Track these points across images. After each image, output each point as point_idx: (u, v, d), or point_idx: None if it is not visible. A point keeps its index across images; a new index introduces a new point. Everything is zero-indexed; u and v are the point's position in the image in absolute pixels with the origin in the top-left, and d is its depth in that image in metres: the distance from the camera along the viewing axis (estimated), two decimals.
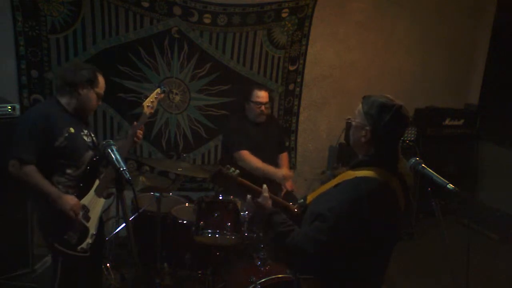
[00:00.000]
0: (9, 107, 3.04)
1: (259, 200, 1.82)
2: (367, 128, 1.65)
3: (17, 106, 3.11)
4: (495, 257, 3.91)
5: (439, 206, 1.58)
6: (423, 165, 1.65)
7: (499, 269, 3.71)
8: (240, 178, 1.86)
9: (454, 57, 4.71)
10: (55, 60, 3.47)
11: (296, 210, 1.94)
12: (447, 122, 4.54)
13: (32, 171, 2.27)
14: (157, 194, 2.93)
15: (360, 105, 1.71)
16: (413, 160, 1.69)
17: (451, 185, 1.57)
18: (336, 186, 1.71)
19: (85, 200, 2.40)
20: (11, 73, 3.39)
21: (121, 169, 1.61)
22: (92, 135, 2.58)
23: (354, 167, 1.72)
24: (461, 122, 4.60)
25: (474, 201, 4.73)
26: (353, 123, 1.73)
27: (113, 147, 1.69)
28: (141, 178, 3.21)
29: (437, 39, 4.57)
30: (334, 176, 1.82)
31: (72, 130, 2.37)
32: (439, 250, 1.79)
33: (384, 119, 1.61)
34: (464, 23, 4.68)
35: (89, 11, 3.45)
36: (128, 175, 1.60)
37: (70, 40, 3.47)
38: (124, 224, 3.30)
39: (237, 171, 1.87)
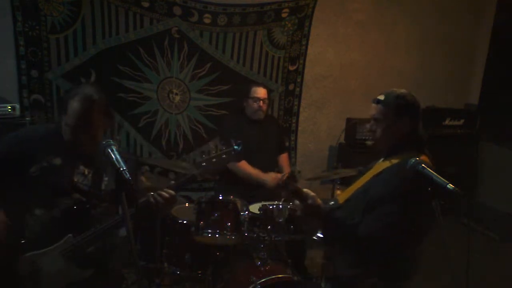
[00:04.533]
0: (9, 107, 3.05)
1: (309, 202, 1.84)
2: (406, 119, 1.84)
3: (17, 106, 3.12)
4: (495, 257, 3.91)
5: (439, 206, 1.58)
6: (423, 165, 1.65)
7: (499, 269, 3.71)
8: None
9: (454, 57, 4.71)
10: (55, 60, 3.47)
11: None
12: (447, 122, 4.53)
13: None
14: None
15: (380, 106, 1.88)
16: (413, 160, 1.69)
17: (451, 185, 1.56)
18: (378, 174, 1.81)
19: (39, 256, 1.82)
20: (11, 73, 3.39)
21: (121, 169, 1.61)
22: (105, 179, 2.00)
23: (389, 156, 1.86)
24: (461, 122, 4.59)
25: (474, 201, 4.73)
26: (380, 123, 1.88)
27: (113, 147, 1.69)
28: (141, 178, 3.21)
29: (437, 39, 4.57)
30: (368, 170, 1.95)
31: (57, 161, 1.92)
32: (439, 250, 1.78)
33: (413, 103, 1.86)
34: (464, 23, 4.68)
35: (89, 11, 3.45)
36: (128, 175, 1.59)
37: (70, 40, 3.47)
38: (124, 225, 3.30)
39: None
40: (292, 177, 1.92)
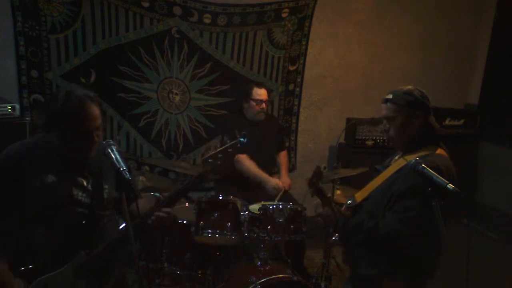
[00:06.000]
0: (9, 107, 3.05)
1: (333, 206, 1.92)
2: (419, 113, 1.87)
3: (17, 106, 3.12)
4: (495, 257, 3.90)
5: (439, 206, 1.58)
6: (423, 165, 1.65)
7: (499, 269, 3.70)
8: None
9: (454, 57, 4.71)
10: (55, 60, 3.47)
11: (348, 212, 1.97)
12: (447, 122, 4.53)
13: None
14: (157, 194, 2.93)
15: (389, 105, 1.90)
16: (413, 160, 1.69)
17: (451, 185, 1.56)
18: (399, 171, 1.83)
19: (50, 279, 1.75)
20: (11, 73, 3.39)
21: (121, 169, 1.61)
22: (105, 187, 1.89)
23: (407, 152, 1.88)
24: (461, 122, 4.59)
25: (474, 201, 4.72)
26: (393, 122, 1.90)
27: (112, 147, 1.69)
28: (141, 178, 3.22)
29: (437, 39, 4.57)
30: (385, 168, 1.97)
31: (49, 178, 1.78)
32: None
33: (422, 97, 1.88)
34: (464, 23, 4.68)
35: (89, 11, 3.45)
36: (128, 175, 1.59)
37: (70, 40, 3.47)
38: (124, 224, 3.30)
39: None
40: (318, 174, 1.91)
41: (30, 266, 1.76)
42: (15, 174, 1.76)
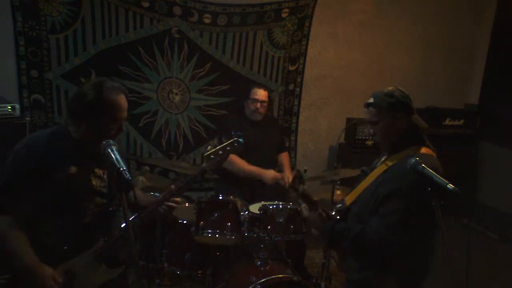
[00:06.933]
0: (9, 107, 3.05)
1: (319, 211, 1.90)
2: (401, 114, 1.85)
3: (17, 106, 3.11)
4: (495, 257, 3.90)
5: (439, 206, 1.57)
6: (423, 165, 1.65)
7: (499, 269, 3.70)
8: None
9: (454, 57, 4.71)
10: (55, 60, 3.47)
11: (338, 217, 1.96)
12: (447, 122, 4.53)
13: (4, 225, 1.75)
14: (157, 194, 2.93)
15: (371, 109, 1.88)
16: (413, 160, 1.69)
17: (451, 185, 1.56)
18: (384, 172, 1.83)
19: (73, 265, 1.83)
20: (11, 73, 3.39)
21: (121, 169, 1.60)
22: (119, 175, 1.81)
23: (393, 154, 1.87)
24: (461, 122, 4.59)
25: (474, 201, 4.72)
26: (377, 125, 1.88)
27: (112, 147, 1.69)
28: (141, 178, 3.21)
29: (437, 39, 4.57)
30: (372, 170, 1.96)
31: (73, 169, 1.83)
32: (439, 250, 1.79)
33: (403, 98, 1.85)
34: (464, 23, 4.68)
35: (89, 11, 3.45)
36: (128, 175, 1.59)
37: (70, 40, 3.47)
38: (124, 224, 3.30)
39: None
40: (299, 177, 1.91)
41: (65, 247, 1.82)
42: (39, 165, 1.78)
